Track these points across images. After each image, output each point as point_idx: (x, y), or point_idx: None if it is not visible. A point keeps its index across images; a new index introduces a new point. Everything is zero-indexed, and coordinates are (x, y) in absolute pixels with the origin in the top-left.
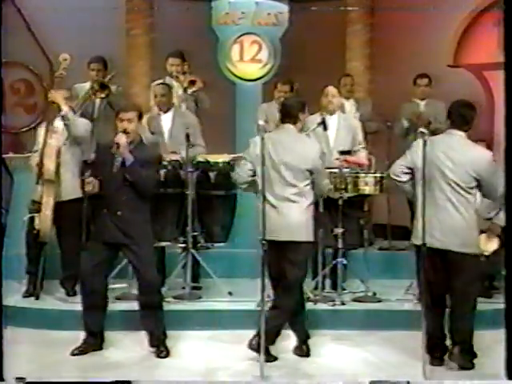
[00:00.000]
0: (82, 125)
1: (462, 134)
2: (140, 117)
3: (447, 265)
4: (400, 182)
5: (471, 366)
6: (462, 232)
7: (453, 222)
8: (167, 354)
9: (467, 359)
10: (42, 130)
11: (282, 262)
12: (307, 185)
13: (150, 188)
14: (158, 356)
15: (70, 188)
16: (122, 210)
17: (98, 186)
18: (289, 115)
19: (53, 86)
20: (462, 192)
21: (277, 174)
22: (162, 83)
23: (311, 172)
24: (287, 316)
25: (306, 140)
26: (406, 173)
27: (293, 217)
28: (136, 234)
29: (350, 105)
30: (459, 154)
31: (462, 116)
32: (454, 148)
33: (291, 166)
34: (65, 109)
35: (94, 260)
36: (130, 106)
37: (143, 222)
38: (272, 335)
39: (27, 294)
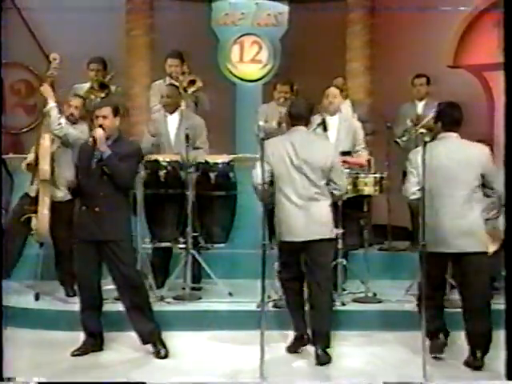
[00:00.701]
0: (76, 131)
1: (456, 135)
2: (116, 112)
3: (463, 267)
4: (418, 199)
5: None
6: (478, 231)
7: (468, 223)
8: (166, 353)
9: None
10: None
11: (309, 262)
12: (326, 184)
13: (128, 181)
14: (158, 356)
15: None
16: (99, 206)
17: (76, 183)
18: (300, 118)
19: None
20: (472, 191)
21: (300, 174)
22: (169, 84)
23: (330, 170)
24: (330, 313)
25: (320, 139)
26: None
27: (320, 214)
28: (114, 231)
29: (345, 106)
30: (464, 154)
31: (453, 118)
32: (456, 150)
33: (313, 165)
34: (51, 104)
35: (82, 260)
36: (104, 102)
37: (122, 219)
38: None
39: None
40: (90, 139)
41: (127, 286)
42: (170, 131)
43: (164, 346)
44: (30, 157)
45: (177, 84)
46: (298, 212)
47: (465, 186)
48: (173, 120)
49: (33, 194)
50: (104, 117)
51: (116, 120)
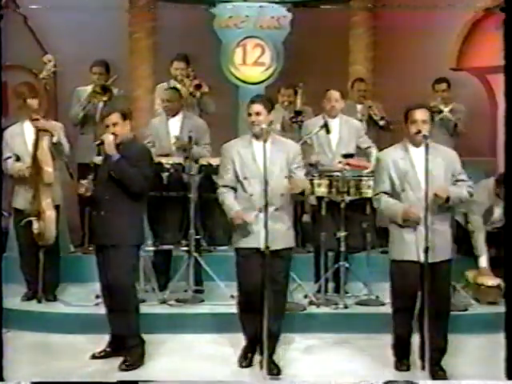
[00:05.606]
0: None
1: None
2: (125, 117)
3: None
4: None
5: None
6: None
7: None
8: (129, 369)
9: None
10: (14, 134)
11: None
12: None
13: (139, 185)
14: (122, 366)
15: (57, 193)
16: (105, 210)
17: (91, 190)
18: None
19: (55, 88)
20: None
21: None
22: (170, 88)
23: None
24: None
25: None
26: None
27: None
28: (117, 235)
29: (363, 109)
30: None
31: None
32: None
33: None
34: (56, 135)
35: (99, 264)
36: (111, 109)
37: (128, 224)
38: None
39: (25, 298)
40: (97, 142)
41: (114, 292)
42: (172, 134)
43: (134, 360)
44: (21, 165)
45: (178, 87)
46: None
47: None
48: (174, 123)
49: (22, 207)
50: (114, 124)
51: (126, 125)
